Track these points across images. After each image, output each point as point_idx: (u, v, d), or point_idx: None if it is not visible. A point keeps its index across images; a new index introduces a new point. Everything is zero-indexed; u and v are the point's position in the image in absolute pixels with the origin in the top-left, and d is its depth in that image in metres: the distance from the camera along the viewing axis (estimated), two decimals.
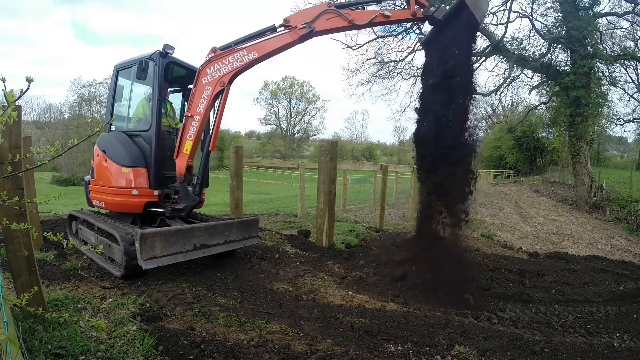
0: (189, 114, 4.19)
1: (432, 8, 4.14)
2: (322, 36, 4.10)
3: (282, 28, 4.11)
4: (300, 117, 65.11)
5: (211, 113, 4.36)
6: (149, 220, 4.80)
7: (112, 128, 5.07)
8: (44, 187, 26.07)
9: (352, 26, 4.21)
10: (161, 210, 4.50)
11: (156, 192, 4.53)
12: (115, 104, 5.15)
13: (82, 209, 6.36)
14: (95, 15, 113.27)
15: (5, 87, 1.46)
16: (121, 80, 5.14)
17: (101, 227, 4.30)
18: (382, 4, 4.41)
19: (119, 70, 5.06)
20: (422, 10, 4.19)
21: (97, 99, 45.61)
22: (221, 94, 4.20)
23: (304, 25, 3.98)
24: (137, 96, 5.12)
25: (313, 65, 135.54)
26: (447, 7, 4.18)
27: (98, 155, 4.77)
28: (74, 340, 2.47)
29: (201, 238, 4.18)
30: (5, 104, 1.52)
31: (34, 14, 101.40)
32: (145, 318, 3.03)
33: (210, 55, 4.18)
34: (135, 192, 4.44)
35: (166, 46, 4.49)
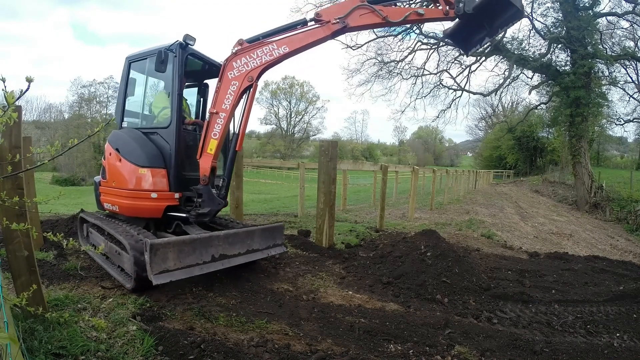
0: (214, 111, 3.89)
1: (461, 4, 3.98)
2: (355, 32, 4.03)
3: (313, 22, 3.91)
4: (300, 117, 65.21)
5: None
6: (163, 224, 4.42)
7: (124, 124, 4.68)
8: (44, 187, 26.10)
9: (386, 23, 4.04)
10: (184, 215, 4.14)
11: (177, 195, 4.16)
12: (127, 99, 4.74)
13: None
14: (95, 16, 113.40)
15: (5, 87, 1.46)
16: (133, 74, 4.75)
17: (111, 233, 3.96)
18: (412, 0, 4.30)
19: (132, 62, 4.67)
20: (453, 9, 4.02)
21: (97, 99, 45.70)
22: (249, 89, 3.93)
23: (338, 20, 3.81)
24: (151, 90, 4.84)
25: (313, 65, 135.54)
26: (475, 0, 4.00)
27: (110, 154, 4.35)
28: (74, 340, 2.47)
29: (220, 247, 3.76)
30: (6, 105, 1.52)
31: (34, 15, 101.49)
32: (145, 318, 3.03)
33: (236, 48, 3.89)
34: (154, 195, 4.04)
35: (187, 37, 4.10)
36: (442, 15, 4.09)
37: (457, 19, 4.18)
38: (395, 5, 4.16)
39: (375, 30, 20.25)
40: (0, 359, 1.37)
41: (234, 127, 4.17)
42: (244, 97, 3.99)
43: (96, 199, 4.77)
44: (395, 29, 20.19)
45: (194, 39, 4.16)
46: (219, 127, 3.89)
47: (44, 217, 6.72)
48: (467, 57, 4.11)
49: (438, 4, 4.12)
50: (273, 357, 2.61)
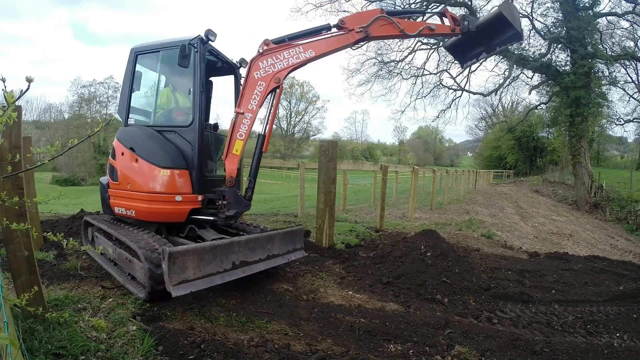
0: (240, 111, 3.82)
1: (465, 22, 4.42)
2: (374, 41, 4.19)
3: (336, 29, 4.06)
4: (300, 117, 65.15)
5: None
6: (175, 228, 4.20)
7: (131, 121, 4.39)
8: (44, 187, 26.10)
9: (403, 35, 4.30)
10: (210, 218, 4.00)
11: (199, 198, 3.99)
12: (133, 94, 4.44)
13: (98, 212, 6.01)
14: (95, 16, 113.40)
15: (5, 87, 1.47)
16: (140, 67, 4.46)
17: (120, 239, 3.75)
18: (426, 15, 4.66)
19: (139, 54, 4.36)
20: (459, 26, 4.43)
21: (97, 99, 45.71)
22: (274, 90, 3.95)
23: (361, 30, 3.97)
24: (164, 85, 4.54)
25: (313, 65, 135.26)
26: (478, 18, 4.58)
27: (123, 154, 4.03)
28: (74, 340, 2.47)
29: (241, 254, 3.60)
30: (5, 104, 1.52)
31: (34, 15, 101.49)
32: (145, 318, 3.03)
33: (263, 48, 3.89)
34: (178, 198, 3.84)
35: (209, 32, 3.98)
36: (450, 31, 4.43)
37: (460, 35, 4.52)
38: (409, 18, 4.40)
39: None
40: (0, 358, 1.37)
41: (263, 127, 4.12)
42: (268, 97, 3.97)
43: (103, 202, 4.40)
44: None
45: (215, 35, 4.04)
46: (245, 127, 3.83)
47: (44, 217, 6.72)
48: (462, 68, 4.52)
49: (445, 20, 4.45)
50: (273, 357, 2.61)
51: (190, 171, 3.93)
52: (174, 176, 3.84)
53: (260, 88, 3.86)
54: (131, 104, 4.44)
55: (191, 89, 4.07)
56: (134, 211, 3.96)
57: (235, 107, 3.95)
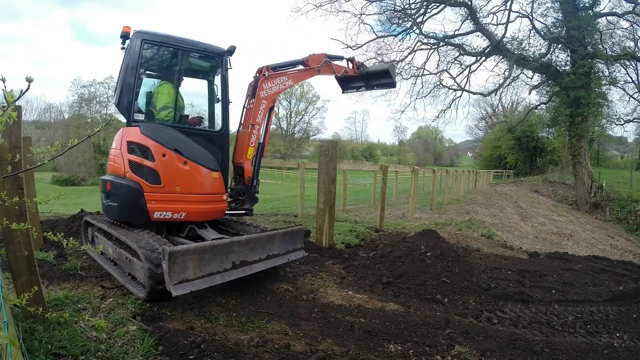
0: (252, 123, 4.63)
1: (361, 68, 5.94)
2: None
3: (302, 66, 5.22)
4: (300, 117, 65.12)
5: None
6: (175, 228, 4.26)
7: (139, 117, 4.20)
8: (44, 187, 26.09)
9: (334, 74, 5.70)
10: (242, 212, 4.67)
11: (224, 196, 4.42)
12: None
13: (98, 212, 6.01)
14: (94, 16, 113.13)
15: (5, 87, 1.46)
16: (143, 57, 4.18)
17: (120, 239, 3.77)
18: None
19: (145, 42, 4.03)
20: (358, 71, 5.90)
21: (97, 99, 45.67)
22: (272, 108, 4.94)
23: (317, 68, 5.28)
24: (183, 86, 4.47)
25: None
26: (368, 66, 6.13)
27: (165, 155, 3.87)
28: (74, 340, 2.47)
29: (241, 254, 3.63)
30: (5, 104, 1.52)
31: (33, 15, 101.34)
32: (145, 318, 3.03)
33: (266, 73, 4.75)
34: (224, 197, 4.32)
35: (232, 47, 4.45)
36: (354, 74, 5.89)
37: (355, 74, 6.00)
38: (339, 63, 5.75)
39: (375, 29, 20.97)
40: (0, 358, 1.37)
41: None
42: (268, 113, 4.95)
43: (129, 207, 3.92)
44: (395, 30, 20.75)
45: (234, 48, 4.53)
46: (254, 136, 4.67)
47: (44, 217, 6.72)
48: (342, 92, 5.97)
49: (351, 66, 5.91)
50: (273, 357, 2.61)
51: (222, 172, 4.34)
52: (220, 177, 4.23)
53: (264, 106, 4.74)
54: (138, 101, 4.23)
55: (219, 97, 4.48)
56: (185, 213, 4.00)
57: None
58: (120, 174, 3.94)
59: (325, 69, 5.43)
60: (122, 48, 4.21)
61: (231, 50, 4.42)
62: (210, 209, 4.17)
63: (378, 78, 6.10)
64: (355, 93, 6.84)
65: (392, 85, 6.27)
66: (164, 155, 3.90)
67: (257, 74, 4.76)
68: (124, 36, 4.13)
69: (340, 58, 5.77)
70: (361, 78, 6.11)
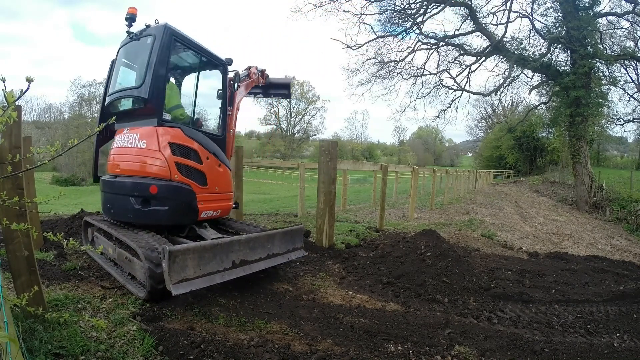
0: (233, 129, 4.99)
1: (266, 79, 6.23)
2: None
3: (248, 77, 5.57)
4: (300, 117, 65.12)
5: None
6: (176, 228, 4.26)
7: (166, 116, 4.02)
8: (44, 187, 26.07)
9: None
10: (234, 205, 4.89)
11: None
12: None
13: (98, 212, 6.02)
14: (94, 17, 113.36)
15: (5, 87, 1.46)
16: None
17: (121, 239, 3.77)
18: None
19: (175, 38, 3.94)
20: (265, 80, 6.15)
21: (97, 99, 45.63)
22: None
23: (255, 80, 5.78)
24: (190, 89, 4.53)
25: (313, 65, 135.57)
26: (272, 78, 6.47)
27: (208, 158, 4.10)
28: (74, 340, 2.47)
29: (241, 253, 3.64)
30: (5, 104, 1.52)
31: (33, 15, 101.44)
32: (145, 318, 3.03)
33: (244, 82, 5.27)
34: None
35: (230, 59, 4.78)
36: (262, 83, 6.17)
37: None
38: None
39: (375, 29, 20.97)
40: (0, 358, 1.37)
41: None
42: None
43: (182, 209, 3.87)
44: (395, 30, 20.74)
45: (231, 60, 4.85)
46: (232, 140, 4.97)
47: (44, 217, 6.72)
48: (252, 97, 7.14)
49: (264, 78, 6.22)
50: (273, 357, 2.61)
51: None
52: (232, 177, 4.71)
53: (237, 112, 5.13)
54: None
55: (220, 107, 4.70)
56: (221, 210, 4.42)
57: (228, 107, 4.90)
58: (164, 177, 3.76)
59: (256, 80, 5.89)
60: (128, 32, 4.06)
61: (230, 62, 4.77)
62: (230, 206, 4.60)
63: (275, 89, 6.65)
64: (250, 97, 7.19)
65: (289, 97, 6.94)
66: (207, 158, 4.13)
67: (232, 82, 4.83)
68: (130, 18, 3.99)
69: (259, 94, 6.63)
70: (259, 86, 6.49)
